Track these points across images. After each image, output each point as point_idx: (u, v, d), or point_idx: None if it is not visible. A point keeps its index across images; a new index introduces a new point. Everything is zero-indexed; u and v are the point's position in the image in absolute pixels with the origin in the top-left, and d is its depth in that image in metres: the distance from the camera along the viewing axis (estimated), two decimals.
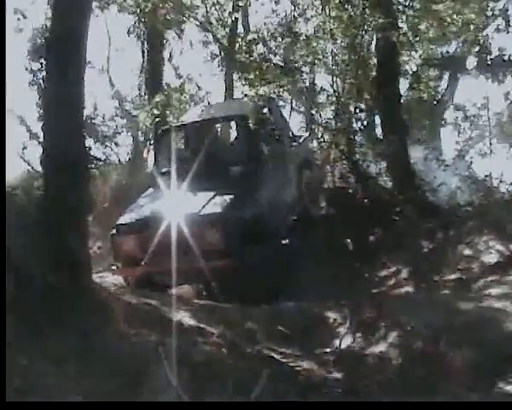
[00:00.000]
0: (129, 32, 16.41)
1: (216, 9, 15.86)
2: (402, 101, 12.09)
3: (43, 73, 7.70)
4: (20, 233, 6.13)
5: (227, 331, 5.78)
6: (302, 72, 11.77)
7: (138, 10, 13.41)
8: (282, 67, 11.34)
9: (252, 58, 11.69)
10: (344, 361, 5.49)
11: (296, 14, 14.93)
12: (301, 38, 11.55)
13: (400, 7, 11.20)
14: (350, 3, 11.11)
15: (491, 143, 19.71)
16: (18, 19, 11.99)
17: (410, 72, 12.63)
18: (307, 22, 12.63)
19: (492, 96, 17.65)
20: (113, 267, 8.61)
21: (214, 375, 4.76)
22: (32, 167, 16.81)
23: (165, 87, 14.78)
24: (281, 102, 12.86)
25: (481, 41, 11.48)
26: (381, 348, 5.58)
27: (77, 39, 5.89)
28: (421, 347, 5.35)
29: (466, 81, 18.14)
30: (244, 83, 11.52)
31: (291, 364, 5.39)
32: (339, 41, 11.53)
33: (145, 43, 17.51)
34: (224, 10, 15.80)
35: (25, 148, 18.30)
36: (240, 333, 5.88)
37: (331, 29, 11.09)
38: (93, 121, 16.30)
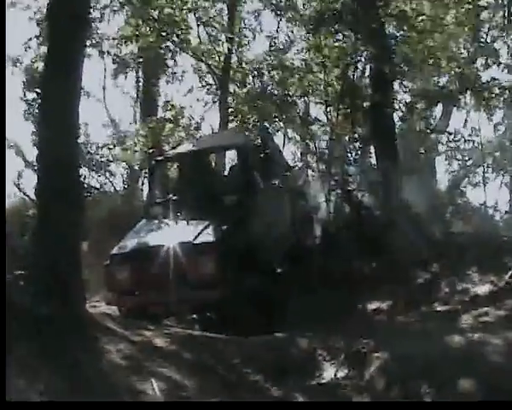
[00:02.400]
0: (124, 63, 16.56)
1: (210, 40, 15.97)
2: (396, 130, 12.15)
3: (39, 103, 7.76)
4: (13, 261, 6.12)
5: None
6: (295, 103, 11.82)
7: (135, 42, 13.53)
8: (274, 97, 11.41)
9: (245, 89, 11.75)
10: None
11: (288, 46, 15.08)
12: (294, 70, 11.64)
13: (392, 40, 11.30)
14: (342, 34, 11.23)
15: (484, 172, 19.82)
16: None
17: (403, 103, 12.71)
18: (299, 53, 12.72)
19: (484, 126, 17.74)
20: (108, 297, 8.57)
21: None
22: (28, 196, 16.81)
23: (158, 118, 14.85)
24: (275, 132, 12.87)
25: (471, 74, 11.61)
26: None
27: (72, 69, 5.93)
28: None
29: (459, 111, 18.24)
30: (238, 113, 11.59)
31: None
32: (331, 72, 11.58)
33: (140, 72, 17.67)
34: (219, 41, 15.90)
35: (20, 176, 18.35)
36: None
37: (323, 60, 11.15)
38: (88, 150, 16.39)
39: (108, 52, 16.61)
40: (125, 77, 19.05)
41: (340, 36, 11.30)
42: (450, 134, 16.58)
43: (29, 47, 16.11)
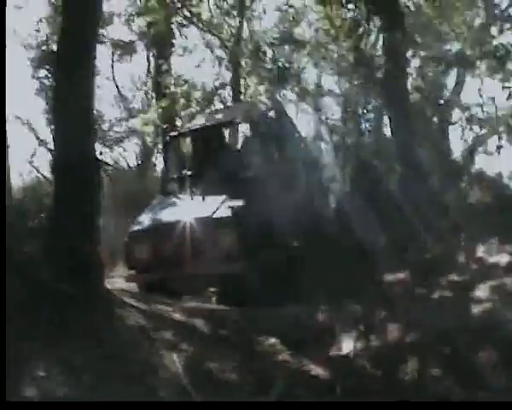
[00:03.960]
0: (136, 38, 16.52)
1: (221, 13, 15.88)
2: (410, 100, 12.07)
3: (52, 80, 7.75)
4: (30, 240, 6.16)
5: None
6: (307, 74, 11.78)
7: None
8: (287, 69, 11.36)
9: (258, 61, 11.70)
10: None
11: (300, 17, 14.99)
12: (305, 42, 11.57)
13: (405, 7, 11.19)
14: (354, 4, 11.12)
15: (499, 141, 19.63)
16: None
17: (417, 69, 12.60)
18: (310, 26, 12.64)
19: (498, 94, 17.53)
20: (127, 274, 8.64)
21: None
22: (42, 174, 16.91)
23: (171, 93, 14.81)
24: (288, 105, 12.84)
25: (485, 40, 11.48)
26: None
27: (86, 46, 5.92)
28: None
29: (472, 81, 18.06)
30: (251, 86, 11.56)
31: None
32: (344, 43, 11.50)
33: (151, 48, 17.62)
34: (230, 14, 15.80)
35: (34, 155, 18.45)
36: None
37: (336, 32, 11.07)
38: (101, 126, 16.47)
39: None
40: (130, 58, 18.99)
41: (351, 6, 11.19)
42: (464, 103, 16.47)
43: (41, 21, 16.15)
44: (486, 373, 4.82)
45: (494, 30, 12.37)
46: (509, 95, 12.37)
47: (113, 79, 20.65)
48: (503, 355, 4.96)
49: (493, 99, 18.77)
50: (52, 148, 12.54)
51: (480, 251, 8.29)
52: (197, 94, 15.08)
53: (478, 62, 12.27)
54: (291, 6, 15.06)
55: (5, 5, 6.04)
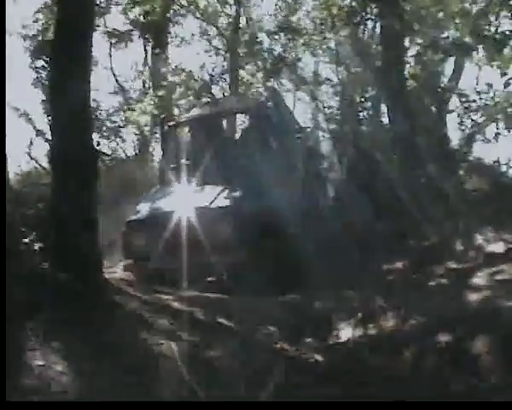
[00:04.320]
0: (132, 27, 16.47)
1: (218, 1, 15.82)
2: (407, 88, 12.04)
3: (49, 70, 7.73)
4: (29, 230, 6.15)
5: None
6: (304, 63, 11.76)
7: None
8: (284, 58, 11.34)
9: (255, 50, 11.68)
10: None
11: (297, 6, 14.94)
12: (302, 31, 11.55)
13: None
14: None
15: (497, 128, 19.57)
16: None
17: (414, 56, 12.56)
18: (308, 14, 12.61)
19: (496, 81, 17.48)
20: (125, 263, 8.64)
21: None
22: (40, 164, 16.90)
23: (168, 82, 14.78)
24: (285, 93, 12.81)
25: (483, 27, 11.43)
26: None
27: (83, 36, 5.90)
28: None
29: (470, 69, 18.01)
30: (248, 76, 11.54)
31: None
32: (341, 32, 11.48)
33: (148, 38, 17.56)
34: (226, 3, 15.75)
35: (31, 144, 18.45)
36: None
37: (333, 21, 11.04)
38: (98, 116, 16.43)
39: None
40: (127, 47, 18.91)
41: None
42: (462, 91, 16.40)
43: (39, 11, 16.10)
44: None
45: (492, 18, 12.35)
46: (507, 84, 12.34)
47: (111, 68, 20.61)
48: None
49: (491, 86, 18.75)
50: (50, 138, 12.54)
51: (478, 239, 8.31)
52: (195, 84, 15.02)
53: (475, 50, 12.23)
54: None
55: (5, 6, 6.02)
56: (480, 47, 11.72)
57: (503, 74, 10.68)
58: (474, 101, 17.72)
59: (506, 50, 10.71)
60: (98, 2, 13.86)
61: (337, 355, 5.50)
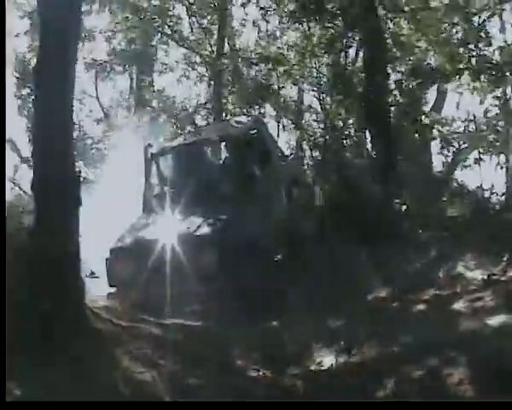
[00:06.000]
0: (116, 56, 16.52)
1: (202, 29, 15.92)
2: (390, 115, 12.12)
3: (33, 98, 7.73)
4: (10, 257, 6.10)
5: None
6: (287, 91, 11.84)
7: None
8: (267, 86, 11.40)
9: (238, 79, 11.75)
10: None
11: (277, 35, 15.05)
12: (283, 60, 11.62)
13: (384, 17, 11.27)
14: (330, 21, 11.19)
15: (480, 155, 19.70)
16: None
17: (397, 83, 12.65)
18: (287, 43, 12.69)
19: (477, 108, 17.60)
20: (109, 292, 8.58)
21: None
22: (24, 191, 16.81)
23: (152, 109, 14.85)
24: (269, 122, 12.87)
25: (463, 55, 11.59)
26: None
27: (66, 63, 5.90)
28: None
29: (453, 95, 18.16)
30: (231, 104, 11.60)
31: None
32: (323, 59, 11.57)
33: (132, 65, 17.62)
34: (210, 31, 15.86)
35: (16, 171, 18.40)
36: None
37: (313, 48, 11.13)
38: (83, 143, 16.43)
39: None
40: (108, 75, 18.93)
41: (328, 23, 11.25)
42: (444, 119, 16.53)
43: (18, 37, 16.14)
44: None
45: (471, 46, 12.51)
46: (486, 111, 12.51)
47: (97, 97, 20.61)
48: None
49: (474, 115, 18.94)
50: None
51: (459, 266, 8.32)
52: (178, 111, 15.10)
53: (456, 76, 12.36)
54: (267, 21, 15.16)
55: (5, 6, 6.03)
56: (461, 74, 11.87)
57: (481, 102, 10.80)
58: (456, 128, 17.93)
59: (483, 78, 10.86)
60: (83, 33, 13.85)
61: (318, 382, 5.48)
